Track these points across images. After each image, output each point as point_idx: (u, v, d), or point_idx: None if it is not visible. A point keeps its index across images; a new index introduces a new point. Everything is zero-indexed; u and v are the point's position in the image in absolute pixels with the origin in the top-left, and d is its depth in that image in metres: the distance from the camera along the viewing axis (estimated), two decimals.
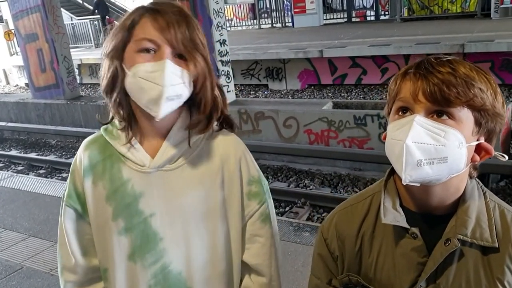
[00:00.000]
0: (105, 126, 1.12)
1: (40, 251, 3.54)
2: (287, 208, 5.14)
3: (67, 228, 1.13)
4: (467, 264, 0.87)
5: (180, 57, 1.00)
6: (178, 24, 0.99)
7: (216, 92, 1.08)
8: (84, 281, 1.16)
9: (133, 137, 1.07)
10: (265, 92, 10.57)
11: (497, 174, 5.16)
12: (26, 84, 12.93)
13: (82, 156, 1.11)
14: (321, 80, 10.14)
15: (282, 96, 10.11)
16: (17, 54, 15.13)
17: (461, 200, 0.88)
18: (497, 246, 0.85)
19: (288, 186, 5.77)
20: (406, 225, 0.90)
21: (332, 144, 6.28)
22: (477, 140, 0.86)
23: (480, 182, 0.93)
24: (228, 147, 1.13)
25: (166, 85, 0.96)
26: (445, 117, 0.82)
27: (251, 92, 10.72)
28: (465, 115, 0.82)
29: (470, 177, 0.92)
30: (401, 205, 0.93)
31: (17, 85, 15.08)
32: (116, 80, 1.01)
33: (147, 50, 0.98)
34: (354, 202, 1.02)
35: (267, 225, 1.16)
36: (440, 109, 0.82)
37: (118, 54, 1.00)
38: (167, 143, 1.06)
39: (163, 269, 1.09)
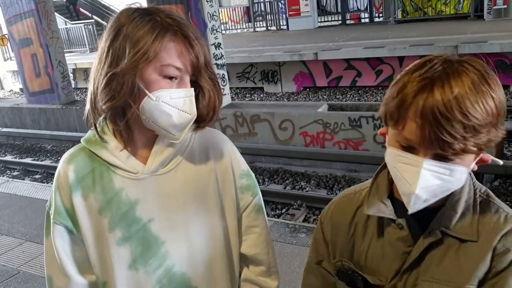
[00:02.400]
0: (85, 137, 1.10)
1: (36, 255, 3.54)
2: (283, 210, 5.16)
3: (58, 247, 1.08)
4: (447, 255, 0.89)
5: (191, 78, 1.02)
6: (197, 46, 0.98)
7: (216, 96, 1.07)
8: None
9: (127, 146, 1.06)
10: (261, 95, 10.60)
11: (491, 174, 5.19)
12: (21, 89, 12.89)
13: (66, 170, 1.07)
14: (316, 82, 10.18)
15: (277, 99, 10.13)
16: (11, 59, 15.09)
17: (451, 194, 0.90)
18: (476, 240, 0.87)
19: (284, 188, 5.79)
20: (391, 216, 0.93)
21: (328, 146, 6.30)
22: (478, 157, 0.86)
23: (473, 177, 0.95)
24: (217, 143, 1.15)
25: (194, 112, 1.00)
26: (451, 158, 0.81)
27: (247, 95, 10.73)
28: (472, 152, 0.82)
29: None
30: (392, 196, 0.95)
31: (12, 90, 15.02)
32: (133, 99, 0.97)
33: (171, 76, 0.97)
34: (352, 192, 1.06)
35: (261, 216, 1.20)
36: (445, 155, 0.80)
37: (136, 72, 0.95)
38: (157, 147, 1.06)
39: (167, 272, 1.09)
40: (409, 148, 0.83)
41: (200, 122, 1.07)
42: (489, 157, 0.88)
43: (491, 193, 0.94)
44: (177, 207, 1.08)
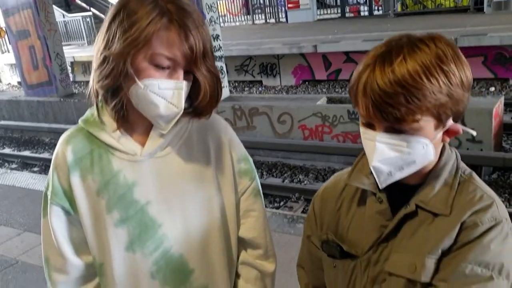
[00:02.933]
0: (83, 118, 1.09)
1: (35, 245, 3.55)
2: (281, 203, 5.17)
3: (54, 228, 1.09)
4: (420, 228, 0.90)
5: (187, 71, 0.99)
6: (193, 37, 0.94)
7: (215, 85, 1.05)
8: (75, 280, 1.13)
9: (121, 127, 1.05)
10: (259, 89, 10.57)
11: (490, 166, 5.20)
12: (19, 83, 12.85)
13: (64, 151, 1.07)
14: (316, 75, 10.15)
15: (276, 92, 10.11)
16: (8, 52, 15.03)
17: (433, 171, 0.91)
18: (448, 214, 0.88)
19: (283, 181, 5.79)
20: (371, 189, 0.95)
21: (326, 139, 6.30)
22: (443, 128, 0.87)
23: (459, 158, 0.95)
24: (216, 128, 1.15)
25: (182, 106, 0.98)
26: (404, 129, 0.84)
27: (245, 89, 10.71)
28: (424, 120, 0.83)
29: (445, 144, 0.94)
30: None
31: (9, 83, 14.97)
32: (120, 84, 0.97)
33: (162, 66, 0.95)
34: (344, 172, 1.09)
35: (259, 200, 1.21)
36: (395, 126, 0.84)
37: (127, 58, 0.94)
38: (155, 131, 1.06)
39: (164, 254, 1.09)
40: (368, 124, 0.87)
41: (196, 114, 1.07)
42: (459, 127, 0.88)
43: (475, 175, 0.94)
44: (174, 190, 1.08)
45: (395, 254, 0.92)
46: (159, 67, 0.95)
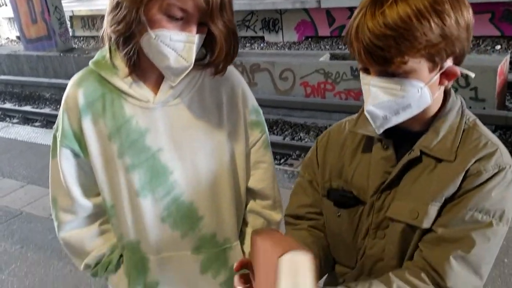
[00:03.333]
0: (94, 60, 1.07)
1: (38, 197, 3.61)
2: (282, 160, 5.21)
3: (64, 169, 1.09)
4: (423, 174, 0.91)
5: (201, 23, 0.97)
6: None
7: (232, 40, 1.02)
8: (82, 219, 1.15)
9: (133, 73, 1.04)
10: (261, 45, 10.41)
11: (492, 125, 5.19)
12: (18, 38, 12.65)
13: (75, 94, 1.05)
14: (319, 32, 9.96)
15: (278, 48, 9.96)
16: (6, 5, 14.70)
17: (437, 117, 0.91)
18: (452, 160, 0.88)
19: (284, 139, 5.81)
20: (375, 135, 0.95)
21: (329, 97, 6.27)
22: (440, 70, 0.85)
23: (464, 105, 0.95)
24: (230, 78, 1.13)
25: (192, 61, 0.97)
26: (395, 72, 0.83)
27: (247, 45, 10.55)
28: (415, 62, 0.82)
29: (448, 92, 0.93)
30: None
31: (8, 38, 14.75)
32: (133, 31, 0.95)
33: (176, 17, 0.93)
34: (349, 118, 1.08)
35: (268, 152, 1.21)
36: (388, 70, 0.83)
37: (140, 6, 0.92)
38: (168, 80, 1.04)
39: (175, 200, 1.10)
40: (365, 69, 0.88)
41: (209, 68, 1.05)
42: (457, 69, 0.87)
43: (479, 122, 0.94)
44: (186, 138, 1.09)
45: (397, 201, 0.92)
46: (172, 18, 0.93)
